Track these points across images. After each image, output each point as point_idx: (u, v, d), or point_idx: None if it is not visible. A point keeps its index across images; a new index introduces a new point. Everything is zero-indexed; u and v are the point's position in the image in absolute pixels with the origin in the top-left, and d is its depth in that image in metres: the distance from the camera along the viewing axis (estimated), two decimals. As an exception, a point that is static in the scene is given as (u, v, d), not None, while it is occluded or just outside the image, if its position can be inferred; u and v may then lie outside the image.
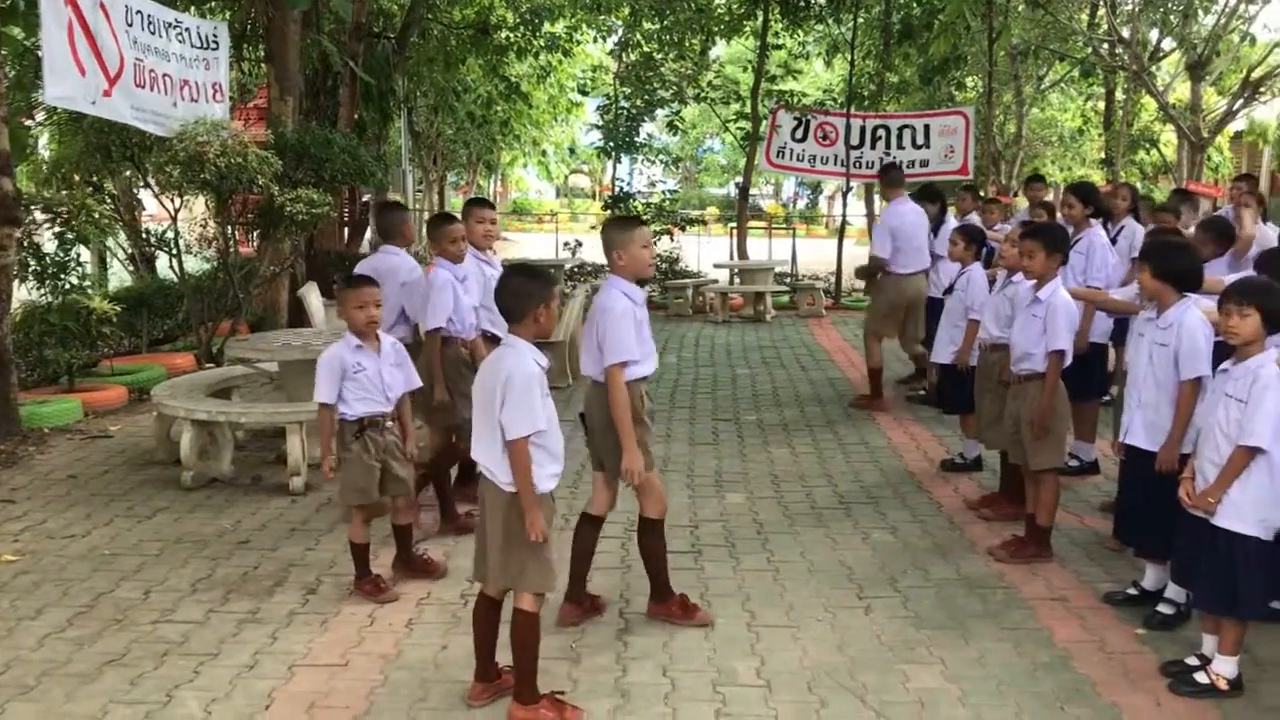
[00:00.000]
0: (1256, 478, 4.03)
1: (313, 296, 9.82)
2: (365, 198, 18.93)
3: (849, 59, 17.27)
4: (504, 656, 4.01)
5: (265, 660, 4.43)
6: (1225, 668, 4.17)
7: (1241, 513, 4.06)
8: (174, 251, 9.84)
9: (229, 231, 9.72)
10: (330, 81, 13.88)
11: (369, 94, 15.25)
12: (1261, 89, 20.25)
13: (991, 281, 6.74)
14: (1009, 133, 22.51)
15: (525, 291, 3.84)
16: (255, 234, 10.29)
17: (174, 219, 9.72)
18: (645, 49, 17.82)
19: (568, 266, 17.33)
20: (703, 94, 18.30)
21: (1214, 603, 4.23)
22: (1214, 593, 4.19)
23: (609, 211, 18.53)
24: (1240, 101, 19.86)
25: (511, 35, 18.01)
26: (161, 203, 9.71)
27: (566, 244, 19.60)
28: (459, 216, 6.35)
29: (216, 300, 10.08)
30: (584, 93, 22.66)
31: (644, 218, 16.39)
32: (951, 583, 5.32)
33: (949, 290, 7.31)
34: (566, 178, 50.00)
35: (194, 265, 10.66)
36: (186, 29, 9.67)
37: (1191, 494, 4.20)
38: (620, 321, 4.41)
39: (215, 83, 10.07)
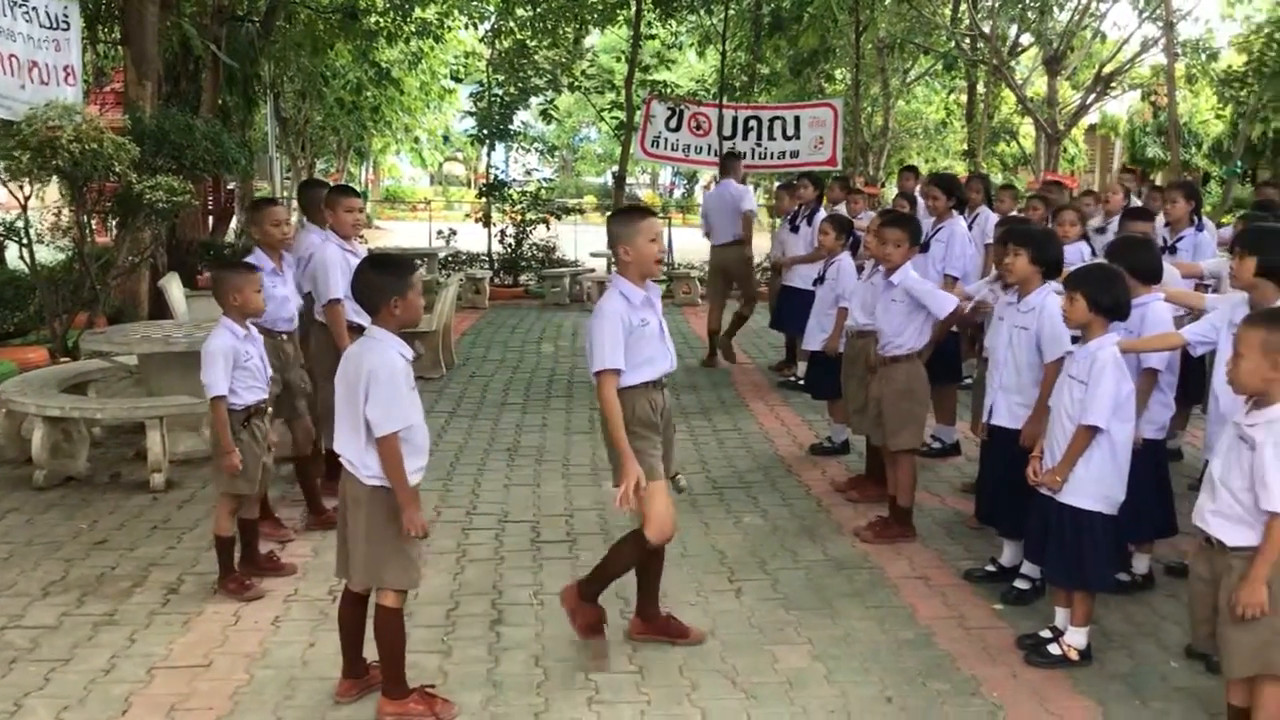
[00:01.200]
0: (1098, 456, 4.22)
1: (174, 287, 9.49)
2: (231, 185, 18.39)
3: (721, 50, 17.44)
4: (372, 652, 3.96)
5: (123, 663, 4.27)
6: (1076, 639, 4.36)
7: (1085, 490, 4.25)
8: (25, 241, 9.40)
9: (85, 220, 9.33)
10: (191, 66, 13.44)
11: (232, 79, 14.82)
12: (1112, 84, 21.16)
13: (859, 269, 6.91)
14: (876, 125, 23.05)
15: (378, 285, 3.80)
16: (114, 223, 9.90)
17: (24, 207, 9.28)
18: (518, 36, 17.69)
19: (441, 255, 17.12)
20: (577, 83, 18.26)
21: (1062, 577, 4.43)
22: (1062, 567, 4.38)
23: (484, 199, 18.38)
24: (1093, 96, 20.73)
25: (381, 20, 17.68)
26: (10, 190, 9.26)
27: (440, 232, 19.37)
28: (280, 201, 6.23)
29: (72, 292, 9.66)
30: (457, 79, 22.35)
31: (650, 207, 16.31)
32: (820, 564, 5.44)
33: (819, 280, 7.45)
34: (441, 165, 49.37)
35: (47, 255, 10.19)
36: (34, 7, 9.23)
37: (1038, 471, 4.38)
38: (604, 325, 4.09)
39: (67, 65, 9.64)
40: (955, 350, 7.36)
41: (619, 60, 19.00)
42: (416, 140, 35.99)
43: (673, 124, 16.75)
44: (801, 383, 9.12)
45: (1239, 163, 20.10)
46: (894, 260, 5.76)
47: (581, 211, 27.73)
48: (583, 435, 7.97)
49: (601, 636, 4.35)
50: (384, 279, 3.81)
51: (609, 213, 4.37)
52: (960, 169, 23.67)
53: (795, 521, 6.08)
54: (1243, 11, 18.98)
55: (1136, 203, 9.14)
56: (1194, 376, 6.04)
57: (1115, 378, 4.17)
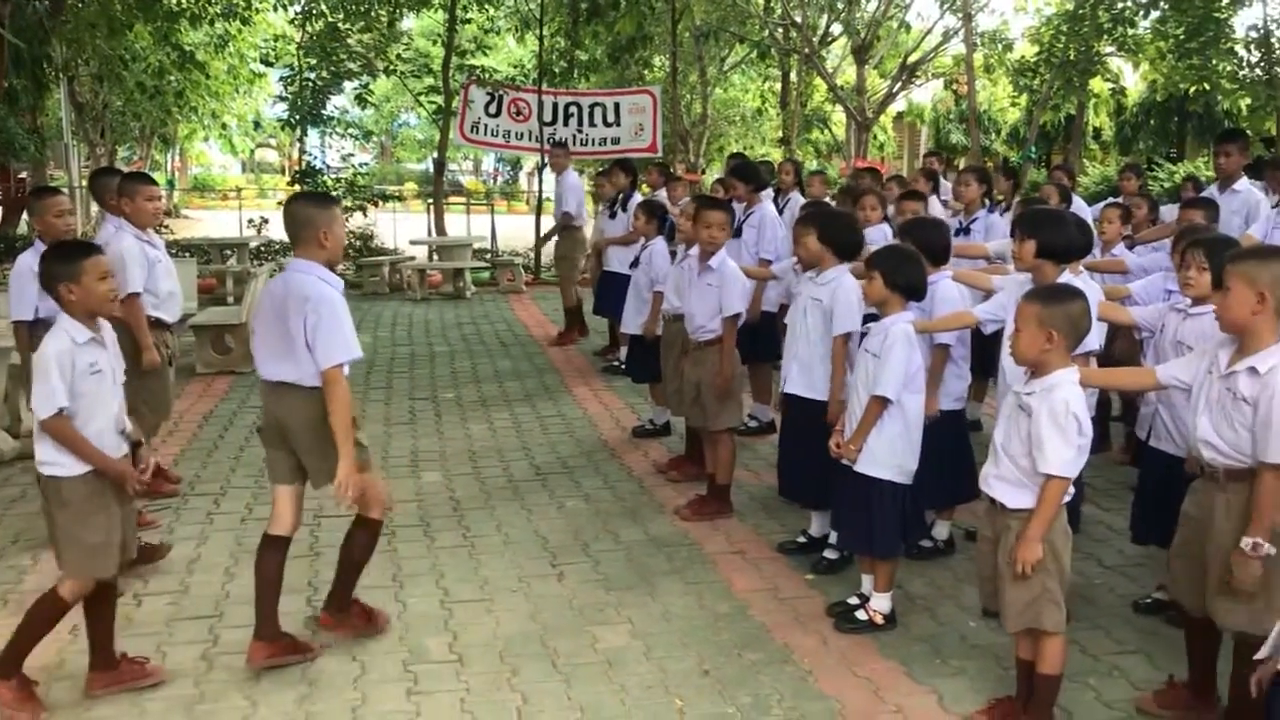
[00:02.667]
0: (890, 427, 4.42)
1: (-43, 283, 8.89)
2: (22, 174, 17.33)
3: (539, 35, 17.38)
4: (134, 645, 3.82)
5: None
6: (881, 604, 4.56)
7: (879, 459, 4.45)
8: None
9: None
10: (-29, 46, 12.55)
11: (19, 60, 13.92)
12: (917, 73, 22.08)
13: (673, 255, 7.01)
14: (695, 112, 23.39)
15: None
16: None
17: None
18: (330, 19, 17.21)
19: (253, 245, 16.54)
20: (393, 67, 17.90)
21: (855, 543, 4.66)
22: (854, 534, 4.61)
23: (297, 187, 17.83)
24: (899, 85, 21.57)
25: (183, 1, 16.92)
26: None
27: (251, 221, 18.71)
28: (63, 190, 5.93)
29: None
30: (267, 63, 21.56)
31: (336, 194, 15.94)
32: (640, 544, 5.52)
33: (635, 264, 7.53)
34: (252, 152, 47.62)
35: None
36: None
37: (840, 444, 4.56)
38: (341, 314, 3.94)
39: None
40: (772, 330, 7.56)
41: (436, 44, 18.73)
42: (225, 126, 34.58)
43: (492, 109, 16.60)
44: (624, 366, 9.22)
45: (1033, 148, 21.26)
46: (718, 242, 5.86)
47: (401, 199, 27.24)
48: (403, 426, 7.85)
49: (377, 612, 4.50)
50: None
51: (292, 197, 4.31)
52: (777, 155, 24.27)
53: (618, 503, 6.15)
54: (1034, 4, 20.04)
55: (947, 186, 9.57)
56: (989, 351, 6.37)
57: (905, 352, 4.37)
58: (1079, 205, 8.38)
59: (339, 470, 3.92)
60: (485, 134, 16.87)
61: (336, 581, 4.43)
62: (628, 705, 3.92)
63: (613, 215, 9.62)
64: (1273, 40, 14.72)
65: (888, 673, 4.18)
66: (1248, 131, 12.80)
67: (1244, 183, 7.40)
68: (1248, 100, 15.57)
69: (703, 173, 22.56)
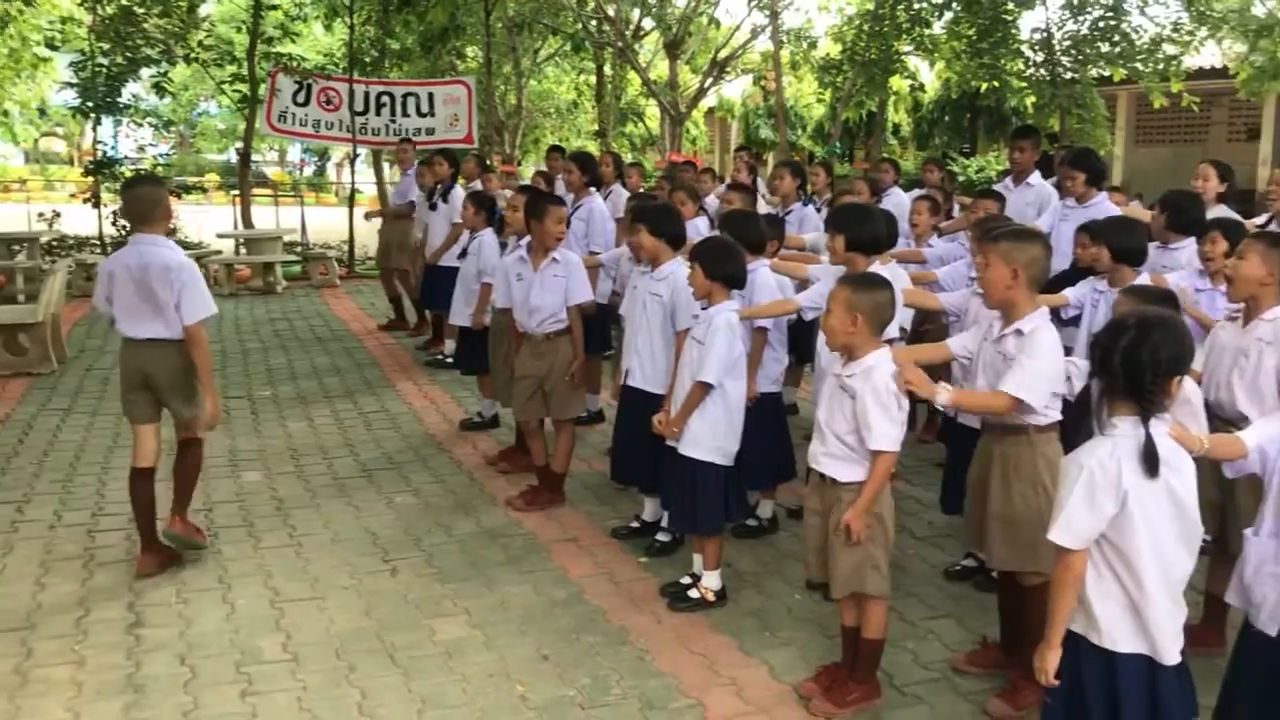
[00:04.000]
0: (712, 411, 4.58)
1: None
2: None
3: (348, 23, 16.97)
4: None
5: None
6: (711, 581, 4.72)
7: (702, 442, 4.61)
8: None
9: None
10: None
11: None
12: (727, 69, 22.60)
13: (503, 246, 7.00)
14: (510, 103, 23.32)
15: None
16: None
17: None
18: (124, 2, 16.35)
19: (44, 240, 15.60)
20: (193, 54, 17.14)
21: (681, 522, 4.84)
22: (680, 513, 4.77)
23: (91, 178, 16.91)
24: (710, 80, 22.04)
25: (-42, -21, 15.79)
26: None
27: (42, 215, 17.61)
28: None
29: None
30: (53, 47, 20.32)
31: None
32: (474, 536, 5.53)
33: (463, 254, 7.50)
34: (37, 141, 44.72)
35: None
36: None
37: (662, 422, 4.69)
38: (199, 277, 4.89)
39: None
40: (603, 320, 7.66)
41: (240, 31, 18.01)
42: (6, 114, 32.36)
43: (301, 98, 16.11)
44: (449, 360, 9.16)
45: (837, 143, 22.08)
46: (563, 236, 5.90)
47: (204, 190, 26.17)
48: (218, 426, 7.57)
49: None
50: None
51: (131, 180, 5.25)
52: (592, 148, 24.44)
53: (449, 497, 6.13)
54: (837, 4, 20.79)
55: (761, 183, 9.85)
56: (805, 339, 6.64)
57: (727, 339, 4.53)
58: (899, 198, 8.78)
59: (207, 405, 4.97)
60: (294, 124, 16.37)
61: (177, 493, 5.14)
62: (469, 694, 3.95)
63: (433, 206, 9.52)
64: (1054, 42, 15.72)
65: (720, 647, 4.33)
66: (1036, 128, 13.65)
67: (1036, 177, 7.91)
68: (1033, 98, 16.56)
69: (519, 164, 22.52)
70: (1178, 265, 5.64)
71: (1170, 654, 2.76)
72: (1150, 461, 2.65)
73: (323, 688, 3.96)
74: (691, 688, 4.00)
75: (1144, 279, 5.22)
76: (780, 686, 4.03)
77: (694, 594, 4.71)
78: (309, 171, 44.68)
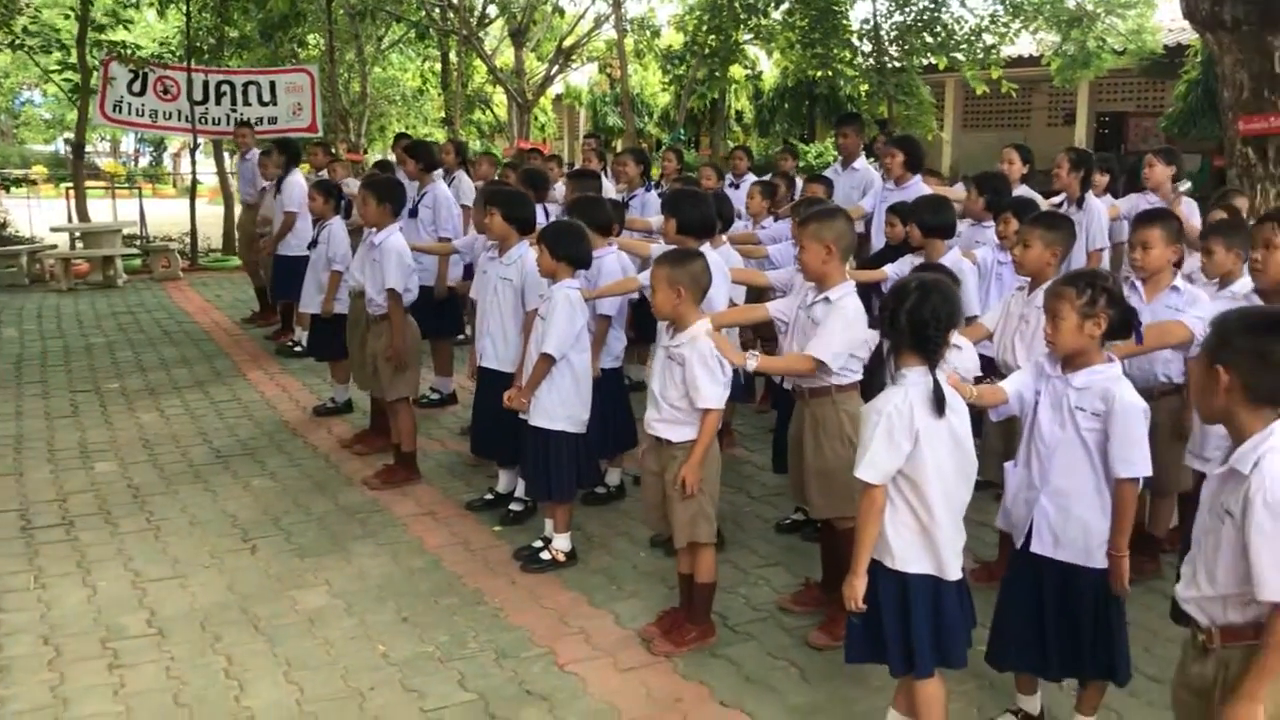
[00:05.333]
0: (560, 381, 4.90)
1: None
2: None
3: (184, 10, 16.61)
4: None
5: None
6: (562, 544, 5.04)
7: (552, 413, 4.92)
8: None
9: None
10: None
11: None
12: (572, 56, 22.87)
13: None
14: (354, 91, 23.09)
15: None
16: None
17: None
18: (-61, -14, 15.64)
19: None
20: (18, 41, 16.51)
21: (536, 490, 5.13)
22: (534, 481, 5.07)
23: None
24: (556, 68, 22.27)
25: None
26: None
27: None
28: None
29: None
30: None
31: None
32: (332, 513, 5.72)
33: (313, 243, 7.60)
34: None
35: None
36: None
37: (512, 397, 4.98)
38: None
39: None
40: (454, 304, 7.87)
41: (68, 17, 17.44)
42: None
43: (136, 87, 15.73)
44: (300, 348, 9.23)
45: (682, 130, 22.59)
46: (369, 220, 6.12)
47: (33, 182, 25.11)
48: (66, 419, 7.53)
49: None
50: None
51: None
52: (440, 136, 24.40)
53: (305, 479, 6.28)
54: (678, -5, 21.27)
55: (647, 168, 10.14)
56: (650, 318, 6.99)
57: (568, 313, 4.84)
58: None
59: None
60: (129, 113, 15.96)
61: None
62: (333, 655, 4.17)
63: (276, 194, 9.54)
64: (881, 33, 16.51)
65: (571, 602, 4.66)
66: (863, 115, 14.35)
67: (862, 161, 8.45)
68: (865, 86, 17.36)
69: (365, 152, 22.35)
70: (988, 241, 6.18)
71: (954, 570, 3.20)
72: (939, 403, 3.08)
73: (189, 657, 4.13)
74: (543, 638, 4.32)
75: (955, 253, 5.74)
76: (625, 632, 4.37)
77: (546, 556, 5.02)
78: (144, 162, 43.12)
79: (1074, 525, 3.25)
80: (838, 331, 4.02)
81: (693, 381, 4.03)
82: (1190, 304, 4.39)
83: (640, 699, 3.86)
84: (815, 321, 4.15)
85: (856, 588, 3.18)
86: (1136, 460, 3.17)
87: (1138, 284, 4.62)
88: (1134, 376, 3.77)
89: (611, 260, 5.60)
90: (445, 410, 7.76)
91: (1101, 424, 3.19)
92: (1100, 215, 6.88)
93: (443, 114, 24.14)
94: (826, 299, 4.14)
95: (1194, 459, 3.94)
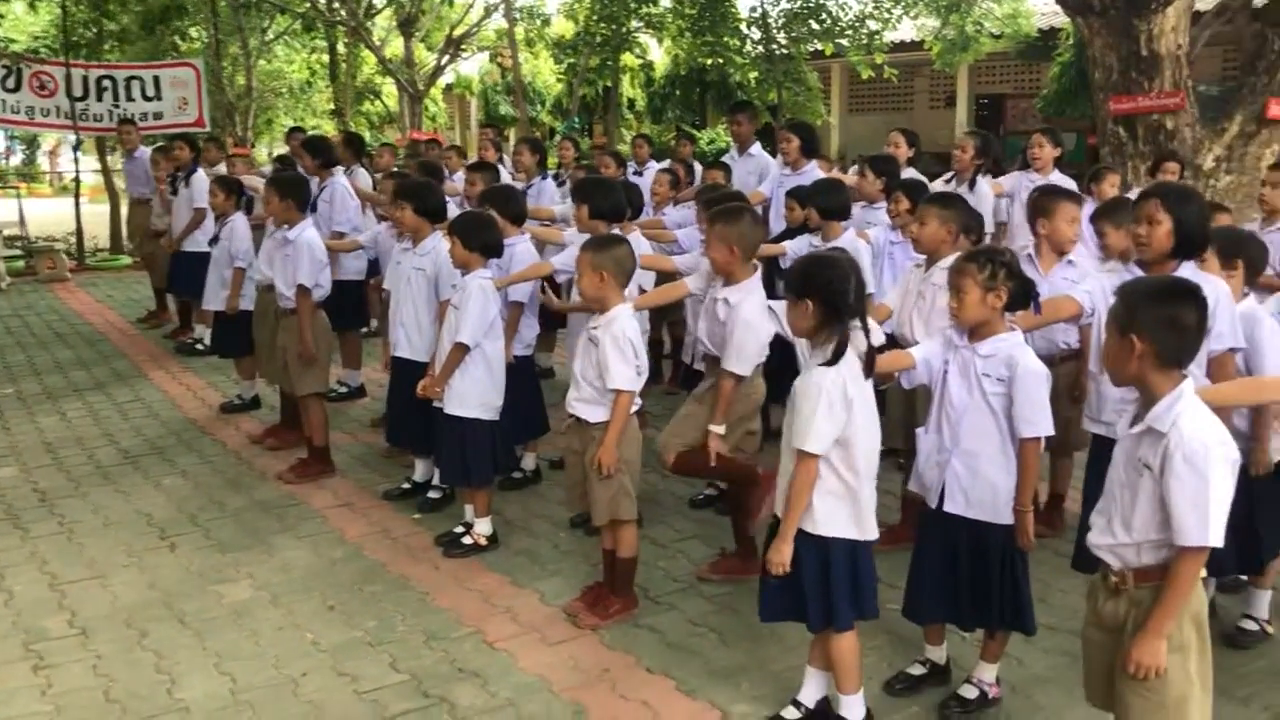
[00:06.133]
0: (474, 369, 5.01)
1: None
2: None
3: (60, 3, 16.11)
4: None
5: None
6: (483, 528, 5.14)
7: (467, 401, 5.02)
8: None
9: None
10: None
11: None
12: (463, 46, 22.73)
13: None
14: (240, 84, 22.64)
15: None
16: None
17: None
18: None
19: None
20: (-120, 36, 15.86)
21: (453, 476, 5.25)
22: (451, 468, 5.17)
23: None
24: (447, 57, 22.13)
25: None
26: None
27: None
28: None
29: None
30: None
31: None
32: (248, 509, 5.72)
33: (215, 240, 7.54)
34: None
35: None
36: None
37: (426, 386, 5.08)
38: None
39: None
40: (362, 296, 7.88)
41: (-67, 12, 16.78)
42: None
43: (11, 84, 15.21)
44: (201, 346, 9.13)
45: (576, 119, 22.68)
46: (276, 213, 6.12)
47: (-101, 184, 24.07)
48: (-39, 425, 7.36)
49: None
50: None
51: None
52: (330, 128, 24.07)
53: (218, 476, 6.26)
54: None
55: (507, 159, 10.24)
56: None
57: (480, 303, 4.95)
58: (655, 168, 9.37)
59: None
60: (4, 111, 15.41)
61: None
62: (262, 645, 4.23)
63: (175, 191, 9.41)
64: (769, 21, 16.85)
65: (495, 583, 4.78)
66: (755, 102, 14.66)
67: (757, 147, 8.67)
68: (754, 74, 17.68)
69: (252, 147, 21.94)
70: (880, 221, 6.44)
71: (873, 531, 3.42)
72: (869, 364, 3.32)
73: (117, 655, 4.14)
74: (471, 618, 4.43)
75: (850, 234, 5.99)
76: (551, 609, 4.51)
77: (467, 541, 5.12)
78: (16, 160, 41.49)
79: (982, 485, 3.48)
80: (749, 342, 4.36)
81: (604, 363, 4.17)
82: (1082, 278, 4.70)
83: (570, 670, 4.00)
84: (718, 317, 4.46)
85: (785, 553, 3.35)
86: (1039, 421, 3.42)
87: (1034, 258, 4.92)
88: (1037, 345, 4.06)
89: (524, 249, 5.71)
90: (354, 403, 7.77)
91: (1006, 389, 3.43)
92: (988, 198, 7.21)
93: (332, 106, 23.80)
94: (727, 300, 4.43)
95: (1091, 422, 4.21)
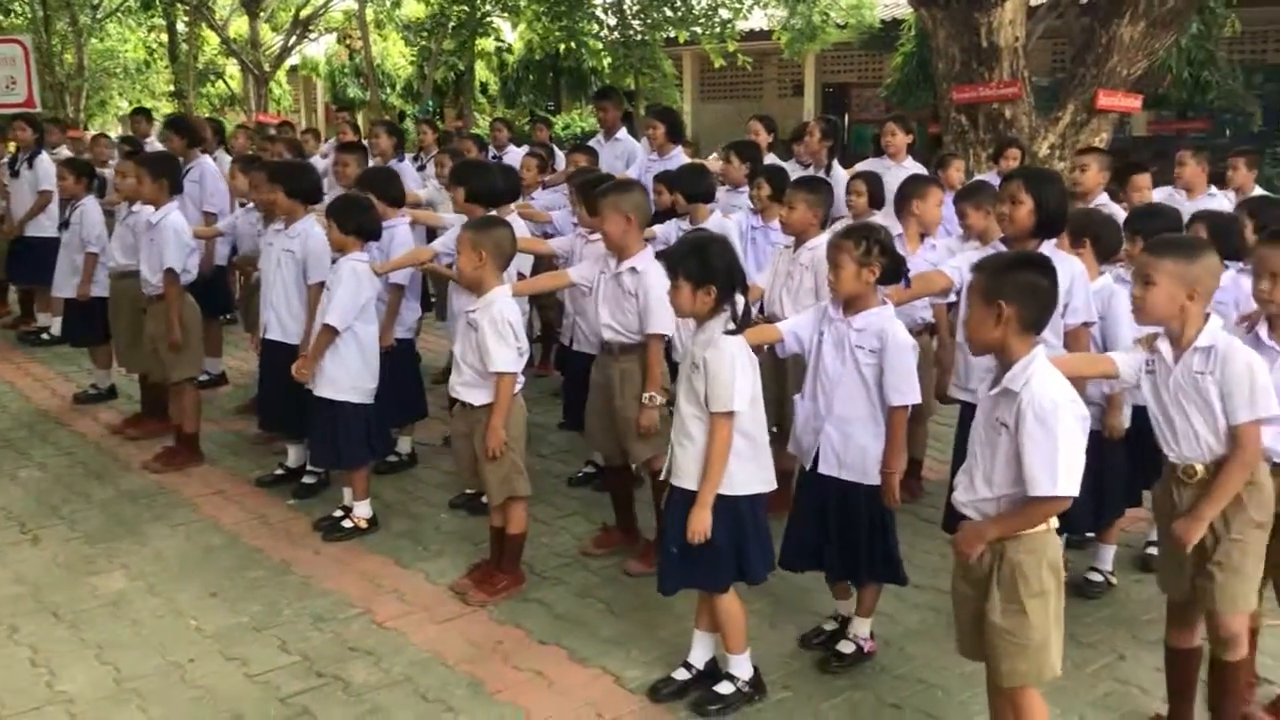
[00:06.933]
0: (346, 353, 5.02)
1: None
2: None
3: None
4: None
5: None
6: (362, 510, 5.14)
7: (339, 384, 5.02)
8: None
9: None
10: None
11: None
12: (311, 27, 22.25)
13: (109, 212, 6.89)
14: (70, 63, 21.65)
15: None
16: None
17: None
18: None
19: None
20: None
21: (326, 459, 5.26)
22: (323, 451, 5.17)
23: None
24: (294, 38, 21.62)
25: None
26: None
27: None
28: None
29: None
30: None
31: None
32: (115, 500, 5.57)
33: (65, 225, 7.26)
34: None
35: None
36: None
37: (298, 368, 5.06)
38: None
39: None
40: (224, 284, 7.69)
41: None
42: None
43: None
44: (48, 335, 8.77)
45: (429, 102, 22.43)
46: (145, 196, 5.95)
47: None
48: None
49: None
50: None
51: None
52: (169, 109, 23.22)
53: (79, 467, 6.07)
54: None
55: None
56: (440, 290, 7.10)
57: (352, 285, 4.96)
58: (518, 154, 9.37)
59: None
60: None
61: None
62: (144, 634, 4.16)
63: (15, 174, 8.98)
64: (625, 7, 17.01)
65: (380, 565, 4.79)
66: (618, 89, 14.80)
67: (623, 133, 8.78)
68: (609, 59, 17.83)
69: (85, 128, 21.02)
70: (744, 205, 6.64)
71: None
72: (745, 322, 3.54)
73: (-14, 650, 4.02)
74: (358, 600, 4.44)
75: (717, 216, 6.17)
76: (438, 588, 4.55)
77: (347, 524, 5.11)
78: None
79: (854, 448, 3.70)
80: (665, 301, 4.25)
81: (484, 346, 4.23)
82: (948, 255, 4.98)
83: (462, 645, 4.07)
84: (626, 290, 4.48)
85: (705, 520, 3.48)
86: (907, 390, 3.65)
87: (903, 238, 5.21)
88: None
89: (403, 231, 5.70)
90: (218, 391, 7.60)
91: (878, 359, 3.64)
92: (842, 182, 7.50)
93: (172, 87, 22.95)
94: (633, 269, 4.47)
95: (959, 390, 4.46)
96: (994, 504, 2.98)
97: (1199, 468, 3.17)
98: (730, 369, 3.44)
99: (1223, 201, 6.73)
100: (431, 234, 6.54)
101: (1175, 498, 3.25)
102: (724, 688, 3.66)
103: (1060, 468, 2.80)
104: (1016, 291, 2.91)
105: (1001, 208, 4.10)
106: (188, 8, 20.16)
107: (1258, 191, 6.82)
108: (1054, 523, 2.95)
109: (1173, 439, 3.22)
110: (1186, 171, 6.88)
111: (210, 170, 7.66)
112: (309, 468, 5.68)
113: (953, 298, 4.57)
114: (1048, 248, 4.05)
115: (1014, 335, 2.92)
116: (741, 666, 3.68)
